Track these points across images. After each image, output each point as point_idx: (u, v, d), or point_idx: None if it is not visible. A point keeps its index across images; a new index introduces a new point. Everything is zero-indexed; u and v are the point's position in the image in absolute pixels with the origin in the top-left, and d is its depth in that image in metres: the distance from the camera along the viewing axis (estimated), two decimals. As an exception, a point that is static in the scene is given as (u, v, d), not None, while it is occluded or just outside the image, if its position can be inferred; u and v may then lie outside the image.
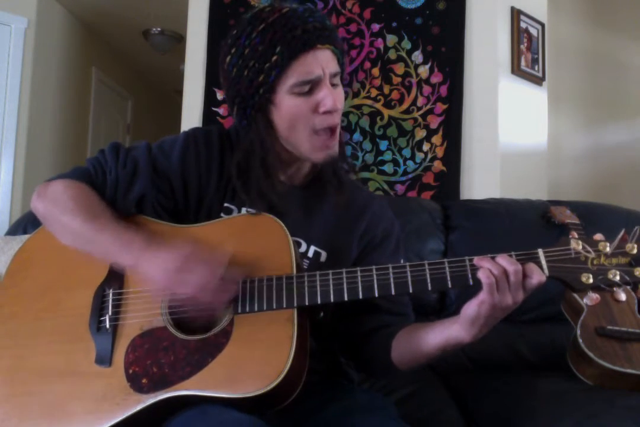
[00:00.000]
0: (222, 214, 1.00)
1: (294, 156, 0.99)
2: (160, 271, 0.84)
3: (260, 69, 0.91)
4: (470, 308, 0.83)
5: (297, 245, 1.00)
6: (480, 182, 2.44)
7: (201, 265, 0.83)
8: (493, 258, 0.82)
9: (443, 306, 1.67)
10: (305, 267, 0.99)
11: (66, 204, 0.92)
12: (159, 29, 4.25)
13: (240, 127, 1.01)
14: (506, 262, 0.81)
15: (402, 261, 1.08)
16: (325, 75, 0.92)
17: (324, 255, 1.02)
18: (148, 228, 0.95)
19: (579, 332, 1.33)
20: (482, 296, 0.81)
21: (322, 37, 0.92)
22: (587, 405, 1.18)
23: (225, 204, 1.00)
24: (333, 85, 0.94)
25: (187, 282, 0.83)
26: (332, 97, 0.92)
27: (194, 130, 1.03)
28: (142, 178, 0.96)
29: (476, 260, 0.83)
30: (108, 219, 0.91)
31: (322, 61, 0.92)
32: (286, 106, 0.93)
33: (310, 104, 0.92)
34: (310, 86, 0.92)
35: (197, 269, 0.83)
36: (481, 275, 0.81)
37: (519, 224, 1.70)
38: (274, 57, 0.90)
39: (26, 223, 1.58)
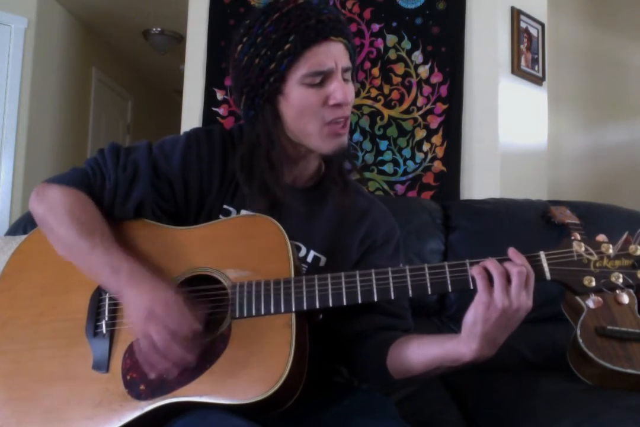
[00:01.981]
0: (220, 216, 0.99)
1: (300, 152, 0.99)
2: (140, 308, 0.82)
3: (272, 57, 0.91)
4: (467, 313, 0.81)
5: (297, 249, 0.99)
6: (480, 182, 2.44)
7: (178, 317, 0.81)
8: (497, 260, 0.81)
9: (443, 307, 1.67)
10: (304, 272, 0.98)
11: (62, 215, 0.91)
12: (159, 29, 4.25)
13: (247, 118, 1.00)
14: (510, 264, 0.80)
15: (401, 266, 1.07)
16: (338, 68, 0.92)
17: (323, 260, 1.02)
18: (143, 237, 0.94)
19: (579, 332, 1.32)
20: (477, 296, 0.79)
21: (336, 29, 0.92)
22: (587, 405, 1.18)
23: (224, 206, 0.99)
24: (344, 80, 0.94)
25: (158, 328, 0.80)
26: (342, 90, 0.91)
27: (196, 131, 1.02)
28: (142, 182, 0.95)
29: (482, 263, 0.82)
30: (101, 238, 0.90)
31: (335, 54, 0.91)
32: (295, 97, 0.92)
33: (320, 97, 0.92)
34: (322, 78, 0.91)
35: (173, 319, 0.81)
36: (474, 270, 0.80)
37: (519, 224, 1.69)
38: (287, 46, 0.90)
39: (26, 223, 1.58)
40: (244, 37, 0.94)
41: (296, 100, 0.92)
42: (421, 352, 0.88)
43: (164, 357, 0.81)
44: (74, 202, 0.93)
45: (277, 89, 0.93)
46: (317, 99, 0.92)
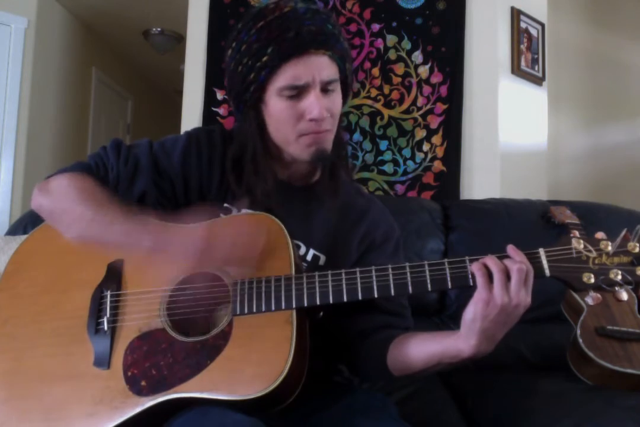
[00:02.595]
0: (221, 215, 0.99)
1: (286, 156, 0.99)
2: (189, 244, 0.84)
3: (252, 67, 0.91)
4: (467, 310, 0.81)
5: (297, 248, 0.99)
6: (480, 182, 2.44)
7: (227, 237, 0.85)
8: (496, 257, 0.81)
9: (443, 306, 1.67)
10: (304, 270, 0.98)
11: (75, 196, 0.91)
12: (159, 29, 4.25)
13: (237, 120, 1.02)
14: (510, 261, 0.80)
15: None
16: (315, 82, 0.91)
17: (322, 259, 1.02)
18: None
19: (579, 332, 1.32)
20: (477, 293, 0.80)
21: (316, 41, 0.90)
22: (587, 405, 1.18)
23: (225, 205, 1.00)
24: (327, 91, 0.93)
25: (221, 244, 0.84)
26: (319, 106, 0.90)
27: (196, 131, 1.03)
28: (143, 176, 0.96)
29: (482, 259, 0.82)
30: (119, 206, 0.90)
31: (314, 67, 0.90)
32: (274, 108, 0.93)
33: (297, 111, 0.92)
34: (298, 91, 0.91)
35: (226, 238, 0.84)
36: (474, 267, 0.80)
37: (519, 224, 1.70)
38: (265, 57, 0.90)
39: (26, 223, 1.58)
40: (233, 42, 0.95)
41: (274, 111, 0.93)
42: (421, 349, 0.89)
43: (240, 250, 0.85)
44: (83, 182, 0.94)
45: (258, 98, 0.94)
46: (294, 112, 0.92)
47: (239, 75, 0.93)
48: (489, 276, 0.79)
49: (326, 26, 0.92)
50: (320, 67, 0.91)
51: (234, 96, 0.97)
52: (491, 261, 0.80)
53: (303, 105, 0.91)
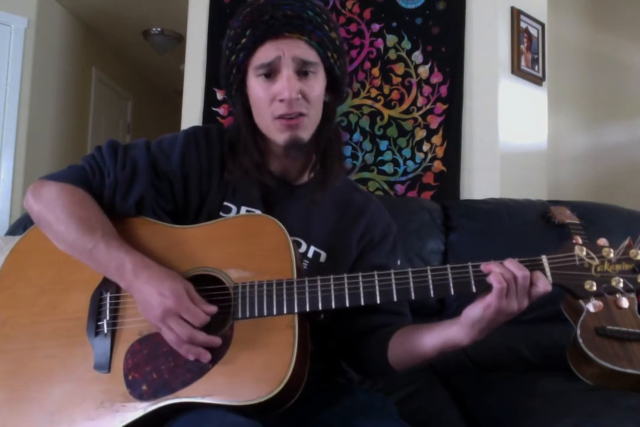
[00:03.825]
0: (221, 213, 0.99)
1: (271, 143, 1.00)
2: (152, 304, 0.83)
3: (233, 49, 0.95)
4: (474, 310, 0.81)
5: (297, 245, 0.99)
6: (480, 182, 2.44)
7: (190, 304, 0.82)
8: (501, 263, 0.81)
9: (443, 307, 1.67)
10: (304, 267, 0.98)
11: (60, 213, 0.91)
12: (159, 29, 4.25)
13: (231, 106, 1.05)
14: (515, 267, 0.80)
15: (398, 262, 1.08)
16: (286, 61, 0.91)
17: (323, 255, 1.02)
18: (145, 236, 0.94)
19: (579, 332, 1.33)
20: (490, 299, 0.79)
21: (290, 25, 0.91)
22: (587, 405, 1.18)
23: (225, 203, 1.00)
24: (306, 74, 0.93)
25: (176, 322, 0.82)
26: (288, 86, 0.90)
27: (194, 129, 1.03)
28: (142, 180, 0.95)
29: (484, 266, 0.82)
30: (102, 234, 0.89)
31: (286, 48, 0.91)
32: (252, 90, 0.95)
33: (270, 92, 0.93)
34: (271, 70, 0.92)
35: (186, 308, 0.82)
36: (493, 279, 0.79)
37: (519, 224, 1.70)
38: (243, 40, 0.93)
39: (26, 223, 1.58)
40: (227, 30, 0.99)
41: (253, 93, 0.95)
42: (422, 342, 0.89)
43: (191, 345, 0.82)
44: (72, 198, 0.93)
45: (241, 81, 0.97)
46: (268, 93, 0.93)
47: (225, 59, 0.97)
48: (506, 285, 0.79)
49: (306, 12, 0.93)
50: (293, 48, 0.92)
51: (223, 81, 1.00)
52: (507, 273, 0.80)
53: (276, 87, 0.92)
